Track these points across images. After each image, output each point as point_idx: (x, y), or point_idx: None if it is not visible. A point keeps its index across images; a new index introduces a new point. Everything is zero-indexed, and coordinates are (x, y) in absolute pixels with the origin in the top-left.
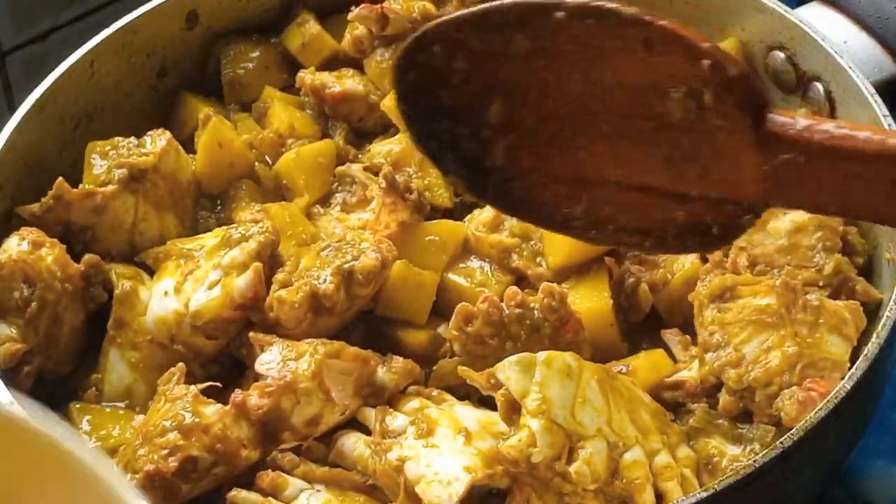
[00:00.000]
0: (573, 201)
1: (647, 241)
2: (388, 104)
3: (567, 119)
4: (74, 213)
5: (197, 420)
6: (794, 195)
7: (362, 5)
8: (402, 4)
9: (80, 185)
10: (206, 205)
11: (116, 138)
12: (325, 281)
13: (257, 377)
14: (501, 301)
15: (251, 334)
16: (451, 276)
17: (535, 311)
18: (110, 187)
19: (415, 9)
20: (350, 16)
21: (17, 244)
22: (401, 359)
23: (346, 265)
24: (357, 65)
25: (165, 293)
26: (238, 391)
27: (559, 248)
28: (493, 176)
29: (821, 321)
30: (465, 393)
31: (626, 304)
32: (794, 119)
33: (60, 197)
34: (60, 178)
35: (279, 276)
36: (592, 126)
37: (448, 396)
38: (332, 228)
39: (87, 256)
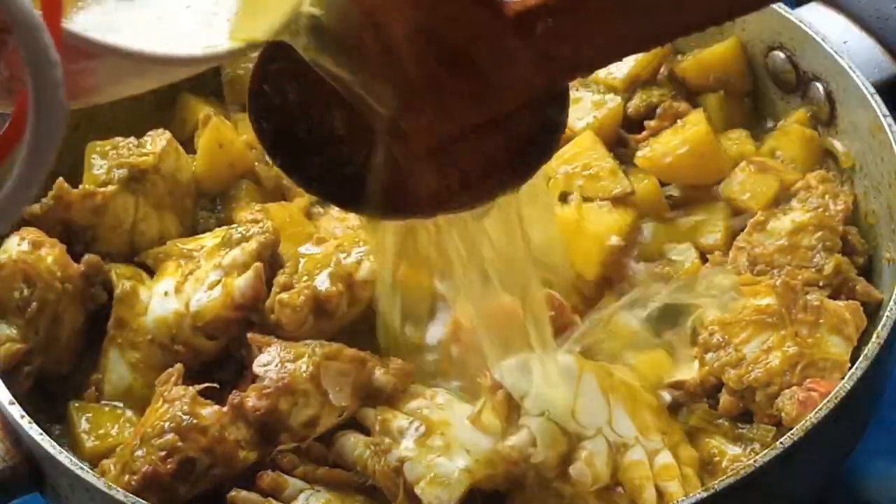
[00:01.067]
0: (445, 174)
1: (501, 176)
2: None
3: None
4: (74, 213)
5: (195, 421)
6: (571, 59)
7: None
8: None
9: (80, 185)
10: (205, 205)
11: (116, 138)
12: (325, 283)
13: (255, 378)
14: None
15: (249, 335)
16: None
17: None
18: (110, 187)
19: None
20: None
21: (17, 244)
22: (399, 360)
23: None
24: None
25: (166, 293)
26: (235, 392)
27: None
28: (374, 188)
29: (821, 321)
30: (465, 394)
31: None
32: None
33: (60, 197)
34: (60, 179)
35: (280, 278)
36: (409, 95)
37: (448, 397)
38: (332, 228)
39: (87, 256)
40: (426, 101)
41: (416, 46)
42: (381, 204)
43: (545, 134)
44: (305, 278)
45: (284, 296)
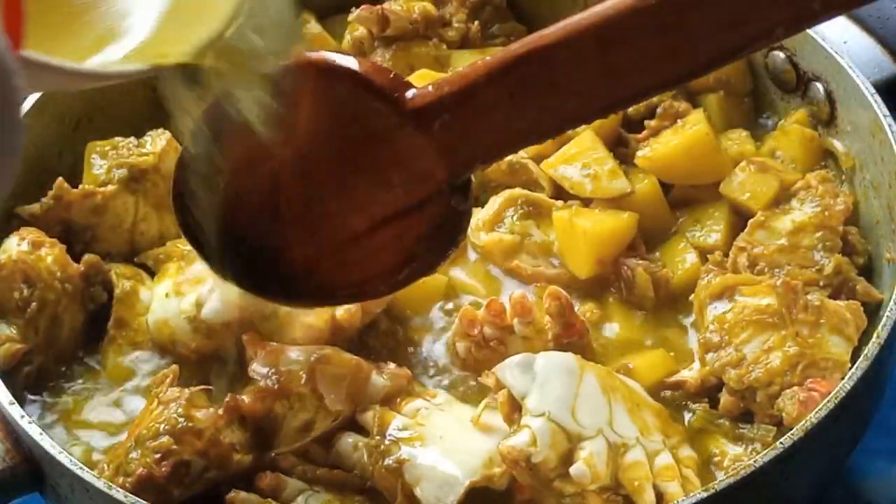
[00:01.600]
0: (358, 267)
1: (414, 265)
2: None
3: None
4: (74, 213)
5: (190, 424)
6: (468, 152)
7: (363, 6)
8: (402, 5)
9: (80, 185)
10: None
11: (116, 138)
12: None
13: (251, 381)
14: (506, 302)
15: (245, 338)
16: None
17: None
18: (110, 187)
19: (415, 9)
20: (350, 17)
21: (17, 244)
22: (393, 364)
23: None
24: None
25: (166, 295)
26: (231, 395)
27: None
28: (298, 282)
29: (822, 321)
30: (465, 394)
31: (632, 297)
32: (427, 85)
33: (60, 197)
34: (60, 178)
35: None
36: (323, 181)
37: (448, 397)
38: None
39: (87, 256)
40: (330, 197)
41: (316, 144)
42: (304, 294)
43: (451, 223)
44: None
45: (310, 318)
